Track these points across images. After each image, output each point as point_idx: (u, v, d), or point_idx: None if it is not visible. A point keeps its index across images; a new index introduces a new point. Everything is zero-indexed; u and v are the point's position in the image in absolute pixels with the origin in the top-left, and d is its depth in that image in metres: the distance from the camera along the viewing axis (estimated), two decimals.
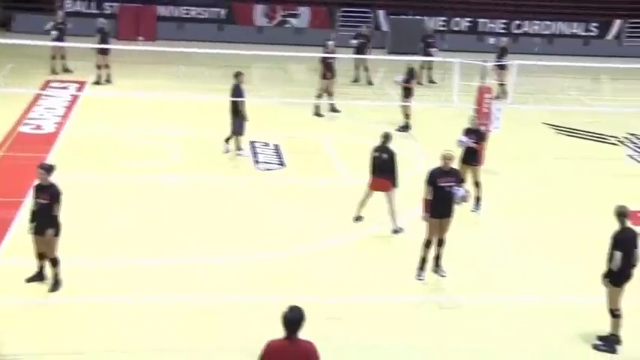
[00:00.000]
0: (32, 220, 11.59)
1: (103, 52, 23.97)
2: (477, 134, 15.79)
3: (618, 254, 10.45)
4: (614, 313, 10.77)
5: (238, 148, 18.31)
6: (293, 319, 7.36)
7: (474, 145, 15.56)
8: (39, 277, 11.78)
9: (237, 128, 18.17)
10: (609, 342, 10.85)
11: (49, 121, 20.34)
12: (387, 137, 14.39)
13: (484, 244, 14.30)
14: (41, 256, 11.71)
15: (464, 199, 12.88)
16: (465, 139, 15.59)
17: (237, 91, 18.10)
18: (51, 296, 11.50)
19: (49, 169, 11.62)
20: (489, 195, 15.79)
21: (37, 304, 11.35)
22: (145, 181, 16.33)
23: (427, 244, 12.64)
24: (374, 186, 14.39)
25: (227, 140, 18.32)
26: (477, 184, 15.60)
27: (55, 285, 11.64)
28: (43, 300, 11.43)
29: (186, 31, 32.47)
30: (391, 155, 14.27)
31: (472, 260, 13.43)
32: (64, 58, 25.43)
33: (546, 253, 13.82)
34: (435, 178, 12.54)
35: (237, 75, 18.29)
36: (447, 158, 12.61)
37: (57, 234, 11.48)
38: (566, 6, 35.33)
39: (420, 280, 12.60)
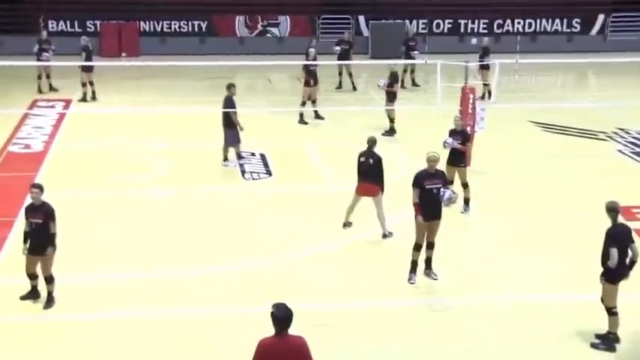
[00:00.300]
0: (25, 241, 11.60)
1: (87, 69, 24.07)
2: (462, 135, 15.83)
3: (614, 251, 10.31)
4: (612, 311, 10.69)
5: (225, 159, 18.38)
6: (281, 316, 7.60)
7: (459, 147, 15.61)
8: (33, 294, 11.81)
9: (230, 139, 18.24)
10: (608, 340, 10.74)
11: (37, 139, 20.41)
12: (372, 142, 14.43)
13: (474, 244, 14.32)
14: (32, 276, 11.73)
15: (451, 200, 12.90)
16: (450, 140, 15.65)
17: (229, 103, 18.16)
18: (45, 313, 11.51)
19: (42, 187, 11.63)
20: (477, 195, 15.84)
21: (31, 321, 11.36)
22: (132, 195, 16.35)
23: (417, 248, 12.65)
24: (361, 191, 14.42)
25: (232, 154, 18.44)
26: (464, 185, 15.63)
27: (49, 302, 11.66)
28: (38, 317, 11.44)
29: (168, 45, 32.59)
30: (377, 160, 14.30)
31: (463, 262, 13.45)
32: (50, 77, 25.50)
33: (537, 252, 13.82)
34: (421, 180, 12.57)
35: (230, 87, 18.36)
36: (431, 160, 12.64)
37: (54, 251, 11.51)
38: (548, 3, 35.51)
39: (412, 283, 12.62)
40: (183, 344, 10.78)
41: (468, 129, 17.12)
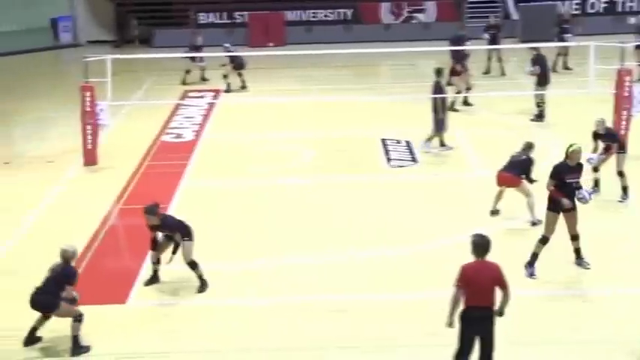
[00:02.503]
0: (153, 249, 12.05)
1: (238, 67, 24.44)
2: (608, 137, 14.98)
3: None
4: None
5: (442, 145, 18.29)
6: (480, 243, 9.03)
7: (605, 156, 14.88)
8: (154, 279, 12.19)
9: (439, 126, 18.15)
10: None
11: (188, 129, 21.01)
12: (529, 147, 14.15)
13: (631, 234, 13.74)
14: (157, 261, 12.17)
15: (584, 201, 12.15)
16: (594, 157, 14.82)
17: (437, 88, 18.11)
18: (197, 298, 11.85)
19: (152, 210, 11.85)
20: (636, 182, 15.13)
21: (175, 305, 11.76)
22: (279, 184, 16.52)
23: (544, 241, 12.14)
24: (500, 181, 14.14)
25: (429, 139, 18.29)
26: (620, 174, 14.95)
27: (202, 286, 12.00)
28: (190, 302, 11.81)
29: (314, 33, 32.87)
30: (529, 160, 13.97)
31: (617, 251, 13.00)
32: (205, 69, 26.05)
33: None
34: (562, 174, 11.98)
35: (439, 72, 18.30)
36: (576, 152, 12.02)
37: (190, 239, 11.86)
38: None
39: (530, 276, 12.13)
40: (327, 330, 10.86)
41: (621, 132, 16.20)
